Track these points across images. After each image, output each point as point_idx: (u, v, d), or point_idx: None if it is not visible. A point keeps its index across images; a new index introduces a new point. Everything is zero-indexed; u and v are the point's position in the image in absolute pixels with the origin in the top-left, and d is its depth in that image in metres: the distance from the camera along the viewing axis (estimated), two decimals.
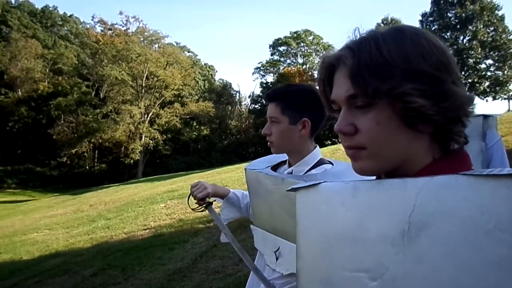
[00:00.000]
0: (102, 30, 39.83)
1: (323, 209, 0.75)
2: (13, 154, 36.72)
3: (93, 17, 64.01)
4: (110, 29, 39.42)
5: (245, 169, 1.67)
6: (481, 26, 32.55)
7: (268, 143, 1.50)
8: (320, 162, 1.47)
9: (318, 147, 1.52)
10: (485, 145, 1.71)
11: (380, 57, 0.63)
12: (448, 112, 0.64)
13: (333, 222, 0.71)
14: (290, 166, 1.52)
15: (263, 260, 1.54)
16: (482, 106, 38.77)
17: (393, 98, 0.63)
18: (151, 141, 37.59)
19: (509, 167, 0.53)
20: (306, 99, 1.44)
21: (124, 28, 39.32)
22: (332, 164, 1.47)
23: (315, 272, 0.76)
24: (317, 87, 0.80)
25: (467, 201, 0.53)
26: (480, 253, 0.51)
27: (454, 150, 0.70)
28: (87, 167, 37.72)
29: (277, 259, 1.45)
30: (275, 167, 1.62)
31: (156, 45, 41.74)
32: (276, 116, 1.45)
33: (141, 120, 37.50)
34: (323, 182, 0.77)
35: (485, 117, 1.71)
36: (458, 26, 33.60)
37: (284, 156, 1.58)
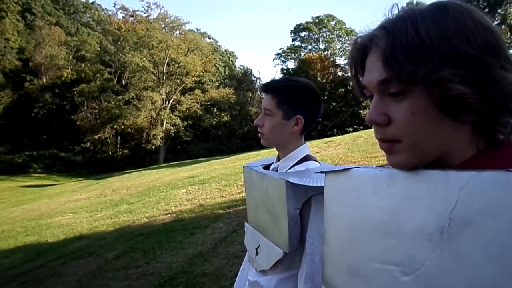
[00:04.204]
0: (123, 17, 40.10)
1: (353, 196, 0.71)
2: (38, 139, 37.61)
3: (114, 3, 64.71)
4: (131, 16, 39.61)
5: (243, 167, 1.67)
6: (511, 9, 31.34)
7: (259, 134, 1.49)
8: (306, 159, 1.44)
9: (307, 143, 1.50)
10: None
11: (417, 38, 0.57)
12: (493, 101, 0.57)
13: (364, 210, 0.67)
14: (278, 161, 1.51)
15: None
16: None
17: (430, 84, 0.57)
18: (172, 128, 37.85)
19: None
20: (303, 96, 1.43)
21: (146, 14, 39.46)
22: (319, 163, 1.43)
23: (342, 261, 0.73)
24: (349, 70, 0.73)
25: None
26: None
27: (500, 141, 0.62)
28: (110, 153, 38.31)
29: (256, 255, 1.45)
30: (270, 165, 1.61)
31: (177, 32, 41.78)
32: (271, 109, 1.43)
33: (162, 106, 37.74)
34: (355, 167, 0.73)
35: None
36: (487, 10, 32.41)
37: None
